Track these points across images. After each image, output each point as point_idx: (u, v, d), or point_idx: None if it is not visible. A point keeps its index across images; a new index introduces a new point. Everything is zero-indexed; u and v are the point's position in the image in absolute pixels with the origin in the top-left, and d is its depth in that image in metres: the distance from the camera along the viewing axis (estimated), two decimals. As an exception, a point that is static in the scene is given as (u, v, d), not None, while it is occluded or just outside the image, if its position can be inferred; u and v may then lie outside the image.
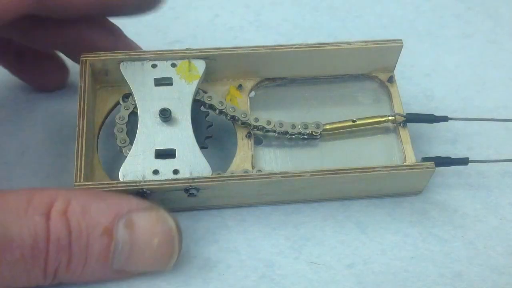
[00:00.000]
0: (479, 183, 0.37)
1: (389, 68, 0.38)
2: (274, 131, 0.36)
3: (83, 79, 0.34)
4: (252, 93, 0.37)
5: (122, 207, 0.30)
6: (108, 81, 0.36)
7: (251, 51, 0.35)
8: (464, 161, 0.35)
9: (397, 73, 0.38)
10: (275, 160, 0.36)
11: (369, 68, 0.37)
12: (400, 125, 0.36)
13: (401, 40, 0.36)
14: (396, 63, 0.37)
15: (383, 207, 0.36)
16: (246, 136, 0.36)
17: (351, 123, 0.36)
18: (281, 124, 0.35)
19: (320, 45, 0.36)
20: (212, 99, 0.35)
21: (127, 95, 0.35)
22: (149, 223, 0.30)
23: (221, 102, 0.35)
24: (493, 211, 0.36)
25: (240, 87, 0.37)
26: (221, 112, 0.36)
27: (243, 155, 0.35)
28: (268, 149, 0.36)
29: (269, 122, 0.35)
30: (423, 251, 0.34)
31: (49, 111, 0.39)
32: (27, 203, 0.28)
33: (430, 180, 0.36)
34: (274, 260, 0.34)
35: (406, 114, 0.36)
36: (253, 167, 0.34)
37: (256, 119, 0.35)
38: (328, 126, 0.36)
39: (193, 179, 0.32)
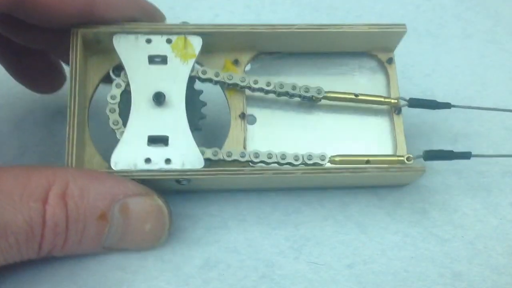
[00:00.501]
0: (479, 183, 0.37)
1: (390, 48, 0.37)
2: (274, 92, 0.35)
3: (74, 52, 0.32)
4: (248, 66, 0.36)
5: (119, 191, 0.30)
6: (100, 50, 0.34)
7: (250, 30, 0.34)
8: (466, 155, 0.35)
9: (397, 74, 0.38)
10: (267, 140, 0.35)
11: (369, 46, 0.37)
12: (395, 113, 0.36)
13: (404, 24, 0.35)
14: (397, 44, 0.37)
15: (383, 207, 0.36)
16: (239, 116, 0.35)
17: (353, 96, 0.35)
18: (281, 86, 0.35)
19: (321, 26, 0.35)
20: (207, 72, 0.34)
21: (118, 68, 0.34)
22: (143, 208, 0.31)
23: (216, 73, 0.34)
24: (493, 211, 0.36)
25: (236, 62, 0.36)
26: (217, 82, 0.35)
27: (236, 136, 0.35)
28: (261, 129, 0.35)
29: (268, 84, 0.35)
30: (423, 251, 0.34)
31: (49, 111, 0.39)
32: (23, 187, 0.28)
33: (431, 180, 0.36)
34: (274, 260, 0.34)
35: (409, 98, 0.35)
36: (245, 148, 0.34)
37: (256, 81, 0.35)
38: (329, 94, 0.35)
39: (185, 171, 0.32)
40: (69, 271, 0.32)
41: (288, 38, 0.35)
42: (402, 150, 0.35)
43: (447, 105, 0.36)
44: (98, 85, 0.34)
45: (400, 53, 0.37)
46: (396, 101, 0.36)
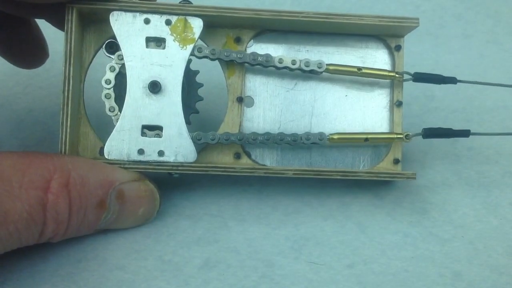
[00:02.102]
0: (479, 183, 0.37)
1: (400, 35, 0.36)
2: (274, 67, 0.35)
3: (69, 27, 0.31)
4: (251, 43, 0.35)
5: (116, 179, 0.31)
6: (97, 20, 0.33)
7: (254, 16, 0.33)
8: (465, 133, 0.34)
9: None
10: (263, 122, 0.35)
11: (378, 32, 0.36)
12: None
13: (417, 19, 0.34)
14: (407, 33, 0.36)
15: (383, 207, 0.36)
16: (237, 100, 0.35)
17: (355, 69, 0.35)
18: (281, 60, 0.34)
19: (329, 16, 0.34)
20: (203, 50, 0.34)
21: (111, 44, 0.33)
22: (137, 194, 0.32)
23: (213, 52, 0.34)
24: (493, 211, 0.36)
25: (238, 39, 0.35)
26: (214, 59, 0.34)
27: (232, 119, 0.35)
28: (258, 111, 0.35)
29: (268, 59, 0.34)
30: (423, 251, 0.34)
31: (49, 111, 0.39)
32: (22, 174, 0.28)
33: (431, 180, 0.35)
34: (274, 260, 0.34)
35: (414, 72, 0.35)
36: (240, 131, 0.35)
37: (254, 59, 0.34)
38: (331, 67, 0.35)
39: (177, 166, 0.32)
40: (69, 271, 0.32)
41: (293, 23, 0.34)
42: (400, 128, 0.35)
43: (452, 80, 0.35)
44: (94, 56, 0.34)
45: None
46: (401, 76, 0.35)
